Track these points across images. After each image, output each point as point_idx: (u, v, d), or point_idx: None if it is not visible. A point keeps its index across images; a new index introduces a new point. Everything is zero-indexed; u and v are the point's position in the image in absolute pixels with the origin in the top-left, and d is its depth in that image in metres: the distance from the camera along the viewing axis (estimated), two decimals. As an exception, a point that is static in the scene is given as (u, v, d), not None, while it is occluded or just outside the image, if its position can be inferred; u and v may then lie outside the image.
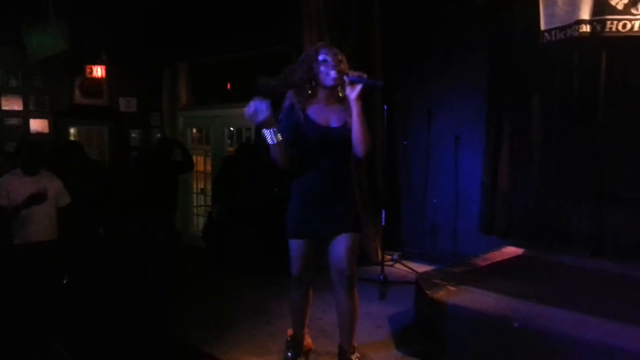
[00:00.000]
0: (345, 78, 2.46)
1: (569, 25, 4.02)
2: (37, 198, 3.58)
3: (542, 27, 4.17)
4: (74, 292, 2.59)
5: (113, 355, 2.44)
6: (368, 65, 4.98)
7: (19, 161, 3.88)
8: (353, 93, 2.43)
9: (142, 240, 3.59)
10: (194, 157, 6.96)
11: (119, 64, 6.43)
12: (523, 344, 2.68)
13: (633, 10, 3.76)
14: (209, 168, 6.84)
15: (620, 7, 3.80)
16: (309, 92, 2.56)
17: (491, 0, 4.51)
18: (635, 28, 3.75)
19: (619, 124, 3.96)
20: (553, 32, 4.14)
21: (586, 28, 3.93)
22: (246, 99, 6.67)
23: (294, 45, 4.78)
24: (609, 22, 3.85)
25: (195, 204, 6.99)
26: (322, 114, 2.57)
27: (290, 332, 2.94)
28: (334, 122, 2.58)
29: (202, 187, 7.00)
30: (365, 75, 2.48)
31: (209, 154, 6.81)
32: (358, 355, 2.79)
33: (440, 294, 3.13)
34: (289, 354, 2.90)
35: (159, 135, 6.91)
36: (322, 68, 2.51)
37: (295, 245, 2.67)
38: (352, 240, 2.61)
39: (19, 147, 4.03)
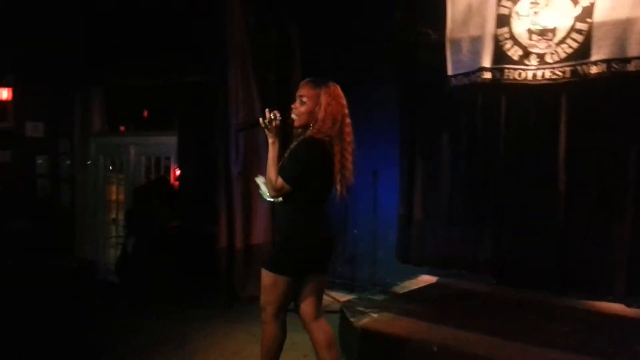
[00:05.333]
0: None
1: (473, 72, 4.43)
2: None
3: (449, 72, 4.56)
4: None
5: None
6: (290, 97, 5.12)
7: None
8: None
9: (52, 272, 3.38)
10: (107, 186, 6.72)
11: (27, 86, 6.06)
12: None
13: (526, 62, 4.23)
14: (122, 197, 6.58)
15: (515, 57, 4.27)
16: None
17: (401, 44, 4.86)
18: (529, 77, 4.22)
19: (517, 161, 4.38)
20: (459, 77, 4.54)
21: (487, 75, 4.36)
22: (166, 127, 6.51)
23: (218, 76, 4.80)
24: (506, 71, 4.30)
25: (109, 235, 6.67)
26: None
27: None
28: None
29: (114, 217, 6.71)
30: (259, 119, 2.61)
31: (123, 182, 6.56)
32: None
33: (364, 321, 3.28)
34: None
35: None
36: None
37: None
38: (261, 275, 2.70)
39: None
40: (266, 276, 2.68)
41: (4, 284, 2.93)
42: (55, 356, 2.86)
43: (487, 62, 4.37)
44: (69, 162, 6.61)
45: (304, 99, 2.62)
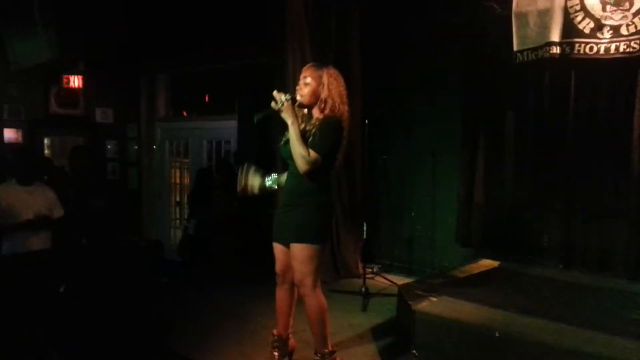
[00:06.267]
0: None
1: (540, 47, 4.21)
2: (36, 224, 3.56)
3: (515, 47, 4.35)
4: (68, 301, 2.57)
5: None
6: (348, 79, 5.07)
7: (14, 170, 3.81)
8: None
9: (125, 250, 3.58)
10: (172, 170, 6.97)
11: (96, 74, 6.35)
12: (504, 352, 2.79)
13: (599, 35, 3.97)
14: (186, 181, 6.81)
15: (587, 30, 4.02)
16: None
17: (465, 20, 4.69)
18: (601, 51, 3.96)
19: (587, 140, 4.15)
20: (525, 53, 4.33)
21: (556, 50, 4.13)
22: (226, 111, 6.63)
23: (277, 58, 4.83)
24: (577, 45, 4.06)
25: (172, 217, 6.94)
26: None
27: (275, 331, 3.04)
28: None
29: (178, 200, 6.96)
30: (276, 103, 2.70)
31: (187, 166, 6.78)
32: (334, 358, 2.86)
33: (423, 305, 3.22)
34: (275, 354, 2.99)
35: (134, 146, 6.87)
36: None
37: (274, 247, 2.97)
38: (295, 250, 2.76)
39: (14, 156, 3.97)
40: (303, 249, 2.74)
41: (79, 259, 3.12)
42: (128, 328, 3.00)
43: (555, 36, 4.14)
44: (136, 147, 6.90)
45: (308, 80, 2.78)
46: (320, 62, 2.94)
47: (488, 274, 4.07)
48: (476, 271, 4.12)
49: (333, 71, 2.82)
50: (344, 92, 2.82)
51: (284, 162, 2.96)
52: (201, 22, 5.72)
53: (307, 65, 2.88)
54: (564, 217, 4.24)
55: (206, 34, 5.69)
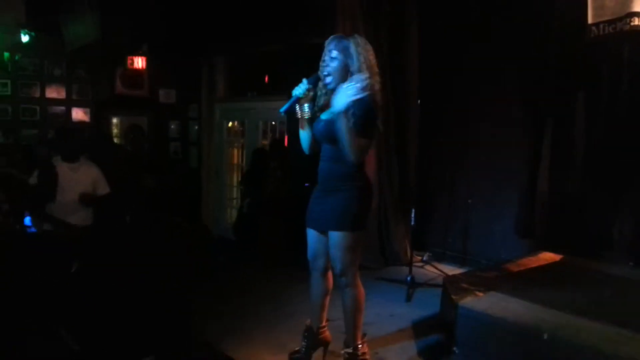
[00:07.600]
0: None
1: (620, 18, 3.75)
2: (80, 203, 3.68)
3: (590, 20, 3.91)
4: (88, 280, 2.61)
5: (120, 344, 2.46)
6: (404, 59, 4.86)
7: (58, 148, 3.96)
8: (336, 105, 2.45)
9: (169, 229, 3.61)
10: (230, 149, 7.05)
11: (159, 55, 6.50)
12: (551, 356, 2.53)
13: (692, 2, 3.48)
14: (243, 161, 6.86)
15: (678, -2, 3.53)
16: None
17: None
18: (695, 21, 3.47)
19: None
20: (601, 26, 3.87)
21: (639, 21, 3.67)
22: (282, 92, 6.58)
23: (327, 38, 4.68)
24: (665, 15, 3.59)
25: (228, 197, 7.04)
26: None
27: (307, 322, 2.92)
28: (325, 114, 2.62)
29: (238, 180, 7.04)
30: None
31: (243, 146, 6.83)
32: (364, 350, 2.72)
33: (467, 300, 3.00)
34: (303, 344, 2.87)
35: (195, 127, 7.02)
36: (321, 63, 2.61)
37: (307, 232, 2.78)
38: (336, 239, 2.57)
39: (58, 134, 4.10)
40: (345, 237, 2.56)
41: (118, 237, 3.18)
42: (153, 312, 2.99)
43: (638, 5, 3.67)
44: (196, 127, 7.04)
45: (334, 54, 2.53)
46: (352, 36, 2.65)
47: (547, 268, 3.74)
48: (534, 265, 3.79)
49: (360, 40, 2.53)
50: (374, 62, 2.52)
51: (314, 140, 2.69)
52: (258, 4, 5.67)
53: (330, 38, 2.59)
54: (638, 209, 3.80)
55: (261, 17, 5.64)
